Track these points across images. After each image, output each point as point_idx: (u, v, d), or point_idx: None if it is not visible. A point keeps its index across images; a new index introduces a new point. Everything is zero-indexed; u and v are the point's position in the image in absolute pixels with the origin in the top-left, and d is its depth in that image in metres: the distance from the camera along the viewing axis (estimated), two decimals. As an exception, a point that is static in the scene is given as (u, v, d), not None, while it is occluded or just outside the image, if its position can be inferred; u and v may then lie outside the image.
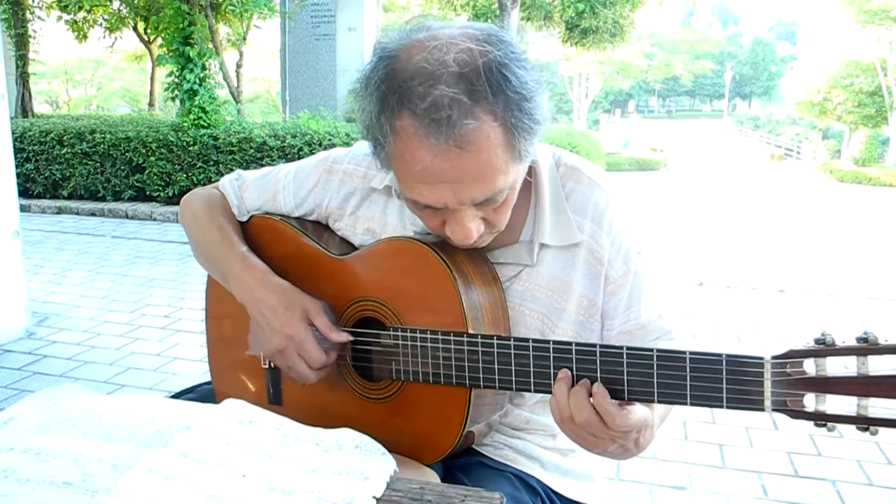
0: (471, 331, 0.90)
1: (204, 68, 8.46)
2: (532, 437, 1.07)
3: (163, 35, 9.20)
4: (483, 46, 0.80)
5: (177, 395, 1.22)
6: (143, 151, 8.44)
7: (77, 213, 8.45)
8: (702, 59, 49.47)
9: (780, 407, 0.75)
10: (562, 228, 0.98)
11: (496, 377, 0.88)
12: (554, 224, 0.98)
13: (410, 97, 0.79)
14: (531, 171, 1.01)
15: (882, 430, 0.71)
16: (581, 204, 1.00)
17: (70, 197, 8.90)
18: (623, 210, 1.01)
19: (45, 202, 8.70)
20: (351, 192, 1.09)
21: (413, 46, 0.82)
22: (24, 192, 8.44)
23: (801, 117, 27.50)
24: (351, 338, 0.98)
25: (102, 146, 8.61)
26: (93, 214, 8.37)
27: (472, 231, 0.88)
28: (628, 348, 0.81)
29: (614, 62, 29.63)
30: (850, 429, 0.73)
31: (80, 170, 8.76)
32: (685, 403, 0.79)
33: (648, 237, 1.03)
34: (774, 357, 0.75)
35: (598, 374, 0.82)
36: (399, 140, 0.82)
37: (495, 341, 0.88)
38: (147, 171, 8.50)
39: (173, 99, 8.91)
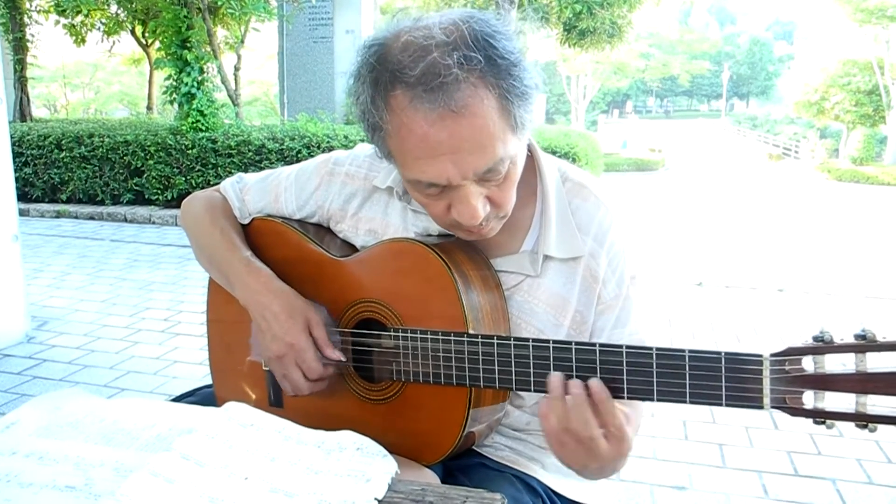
0: (471, 331, 0.90)
1: (202, 71, 8.46)
2: (532, 437, 1.07)
3: (161, 38, 9.22)
4: (466, 21, 0.83)
5: (178, 399, 1.22)
6: (142, 155, 8.44)
7: (76, 217, 8.44)
8: (699, 59, 49.56)
9: (778, 404, 0.75)
10: (566, 241, 0.98)
11: (496, 377, 0.88)
12: (559, 237, 0.98)
13: (402, 70, 0.80)
14: (536, 177, 1.02)
15: (881, 427, 0.71)
16: (585, 221, 1.00)
17: (69, 201, 8.90)
18: (624, 233, 1.02)
19: (44, 206, 8.68)
20: (353, 193, 1.10)
21: (399, 31, 0.84)
22: (22, 197, 8.45)
23: (799, 117, 27.51)
24: (344, 358, 0.98)
25: (101, 150, 8.60)
26: (91, 218, 8.36)
27: (478, 209, 0.87)
28: (628, 347, 0.81)
29: (611, 62, 29.64)
30: (850, 427, 0.73)
31: (78, 174, 8.76)
32: (684, 401, 0.80)
33: (642, 262, 1.03)
34: (773, 355, 0.75)
35: (598, 374, 0.82)
36: (395, 116, 0.83)
37: (495, 341, 0.88)
38: (146, 175, 8.49)
39: (171, 102, 8.91)
